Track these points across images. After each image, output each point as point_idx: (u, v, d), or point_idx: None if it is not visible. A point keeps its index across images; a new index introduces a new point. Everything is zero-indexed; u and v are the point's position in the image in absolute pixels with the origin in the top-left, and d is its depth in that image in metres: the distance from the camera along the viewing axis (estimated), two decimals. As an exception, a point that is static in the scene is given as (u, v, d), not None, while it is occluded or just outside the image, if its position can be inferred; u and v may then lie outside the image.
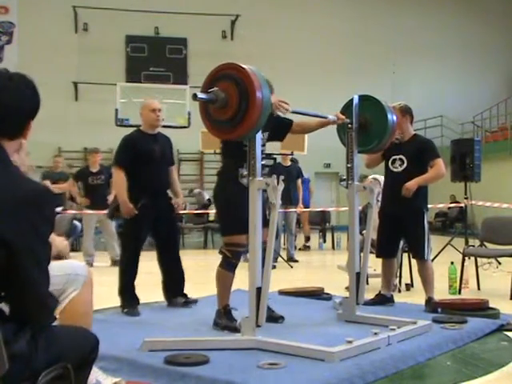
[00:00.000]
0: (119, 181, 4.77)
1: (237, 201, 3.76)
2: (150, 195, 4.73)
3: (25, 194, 1.67)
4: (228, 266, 3.97)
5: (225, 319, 3.96)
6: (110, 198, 8.06)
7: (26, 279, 1.68)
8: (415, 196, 4.78)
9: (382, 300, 4.94)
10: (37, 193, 1.71)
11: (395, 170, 4.92)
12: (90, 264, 7.91)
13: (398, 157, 4.90)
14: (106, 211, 8.10)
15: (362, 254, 4.45)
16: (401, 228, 4.90)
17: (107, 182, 8.24)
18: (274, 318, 4.09)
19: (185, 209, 5.32)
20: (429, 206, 4.99)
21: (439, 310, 4.58)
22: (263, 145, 3.99)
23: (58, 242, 2.32)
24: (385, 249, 4.96)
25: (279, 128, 4.16)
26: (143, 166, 4.72)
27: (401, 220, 4.84)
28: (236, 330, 3.76)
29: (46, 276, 1.76)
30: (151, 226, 4.79)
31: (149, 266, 4.91)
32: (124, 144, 4.83)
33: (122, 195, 4.69)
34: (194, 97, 3.28)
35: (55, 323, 1.89)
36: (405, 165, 4.87)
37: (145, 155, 4.75)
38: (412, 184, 4.75)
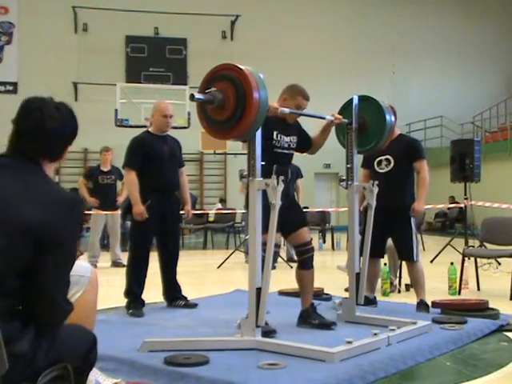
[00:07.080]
0: (131, 182, 4.78)
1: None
2: (159, 195, 4.76)
3: (63, 198, 1.91)
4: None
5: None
6: (120, 199, 8.05)
7: (48, 277, 1.77)
8: (402, 195, 4.76)
9: (364, 302, 4.81)
10: (72, 198, 1.95)
11: (381, 170, 4.85)
12: (94, 265, 7.72)
13: (384, 157, 4.83)
14: (115, 212, 8.12)
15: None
16: (387, 229, 4.77)
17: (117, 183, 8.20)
18: None
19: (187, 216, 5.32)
20: (429, 206, 4.95)
21: (429, 311, 4.57)
22: (290, 148, 4.00)
23: None
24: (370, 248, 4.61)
25: (303, 140, 4.15)
26: (152, 167, 4.75)
27: (387, 221, 4.68)
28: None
29: (67, 278, 1.87)
30: (158, 226, 4.81)
31: (149, 267, 4.91)
32: (134, 145, 4.84)
33: (134, 196, 4.71)
34: (192, 97, 3.28)
35: None
36: (391, 165, 4.82)
37: (154, 156, 4.77)
38: (419, 206, 4.76)
